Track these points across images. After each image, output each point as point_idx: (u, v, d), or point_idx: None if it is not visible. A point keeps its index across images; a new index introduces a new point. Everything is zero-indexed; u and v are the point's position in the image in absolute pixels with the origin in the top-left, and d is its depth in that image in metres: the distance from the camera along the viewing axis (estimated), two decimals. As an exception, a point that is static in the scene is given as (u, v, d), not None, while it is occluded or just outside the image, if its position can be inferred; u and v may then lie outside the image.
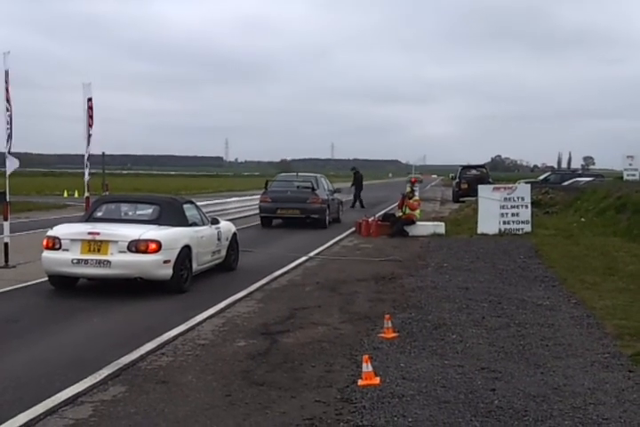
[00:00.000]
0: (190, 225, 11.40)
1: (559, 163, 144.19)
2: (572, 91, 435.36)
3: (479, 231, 19.29)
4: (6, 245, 13.05)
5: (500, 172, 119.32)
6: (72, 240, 10.29)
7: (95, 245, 10.15)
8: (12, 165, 13.33)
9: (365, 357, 6.28)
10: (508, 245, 16.73)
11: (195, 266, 11.20)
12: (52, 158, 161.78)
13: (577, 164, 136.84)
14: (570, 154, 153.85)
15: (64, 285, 10.76)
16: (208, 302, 9.71)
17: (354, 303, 9.85)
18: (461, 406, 5.58)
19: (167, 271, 10.34)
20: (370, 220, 20.00)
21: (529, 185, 22.68)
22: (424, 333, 8.04)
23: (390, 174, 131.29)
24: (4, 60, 12.98)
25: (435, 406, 5.57)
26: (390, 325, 7.93)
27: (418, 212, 20.02)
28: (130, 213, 11.66)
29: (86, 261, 10.08)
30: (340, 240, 18.34)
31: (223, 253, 12.71)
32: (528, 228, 19.46)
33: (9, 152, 13.21)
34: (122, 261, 10.06)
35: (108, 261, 10.04)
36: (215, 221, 12.58)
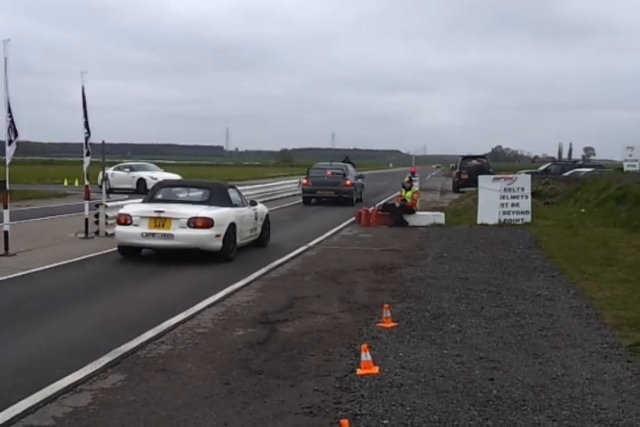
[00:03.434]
0: (234, 206, 13.27)
1: (560, 153, 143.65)
2: (574, 80, 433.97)
3: (479, 221, 19.30)
4: (6, 233, 13.04)
5: (500, 162, 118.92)
6: (141, 217, 12.29)
7: (160, 221, 12.14)
8: (10, 152, 13.25)
9: (364, 346, 6.29)
10: (508, 235, 16.74)
11: (238, 240, 13.00)
12: (52, 147, 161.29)
13: (578, 154, 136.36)
14: (570, 145, 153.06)
15: (131, 254, 12.72)
16: (208, 291, 9.72)
17: (353, 293, 9.86)
18: (460, 396, 5.59)
19: (218, 243, 12.28)
20: (370, 210, 19.99)
21: (529, 175, 22.69)
22: (423, 322, 8.05)
23: (391, 164, 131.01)
24: (4, 48, 12.89)
25: (433, 396, 5.59)
26: (389, 314, 7.95)
27: (409, 194, 19.99)
28: (184, 196, 13.63)
29: (153, 235, 12.12)
30: (340, 230, 18.33)
31: (259, 230, 14.55)
32: (528, 218, 19.47)
33: (10, 140, 13.16)
34: (182, 235, 12.04)
35: (172, 235, 12.05)
36: (253, 203, 14.45)
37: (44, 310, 8.64)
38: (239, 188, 15.60)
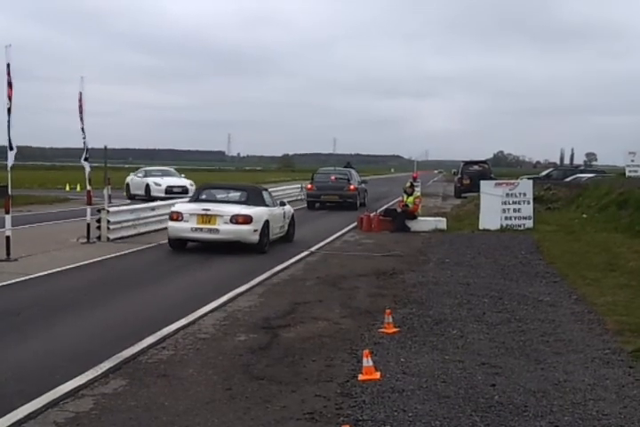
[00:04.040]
0: (267, 206, 15.17)
1: (562, 159, 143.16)
2: (576, 86, 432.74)
3: (481, 227, 19.29)
4: (8, 238, 13.04)
5: (502, 167, 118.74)
6: (190, 214, 14.23)
7: (207, 218, 14.11)
8: (11, 157, 13.25)
9: (366, 351, 6.29)
10: (510, 240, 16.73)
11: (270, 235, 14.83)
12: (53, 152, 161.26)
13: (579, 160, 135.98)
14: (572, 150, 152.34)
15: (179, 246, 14.63)
16: (209, 297, 9.72)
17: (355, 298, 9.86)
18: (461, 402, 5.59)
19: (256, 237, 14.23)
20: (372, 215, 19.98)
21: (531, 181, 22.67)
22: (425, 328, 8.05)
23: (392, 169, 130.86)
24: (6, 54, 12.91)
25: (435, 401, 5.58)
26: (391, 320, 7.94)
27: (411, 199, 19.96)
28: (224, 196, 15.64)
29: (201, 229, 14.10)
30: (342, 235, 18.33)
31: (286, 228, 16.42)
32: (530, 223, 19.46)
33: (11, 146, 13.17)
34: (226, 230, 14.02)
35: (217, 230, 14.03)
36: (282, 204, 16.47)
37: (46, 316, 8.63)
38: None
